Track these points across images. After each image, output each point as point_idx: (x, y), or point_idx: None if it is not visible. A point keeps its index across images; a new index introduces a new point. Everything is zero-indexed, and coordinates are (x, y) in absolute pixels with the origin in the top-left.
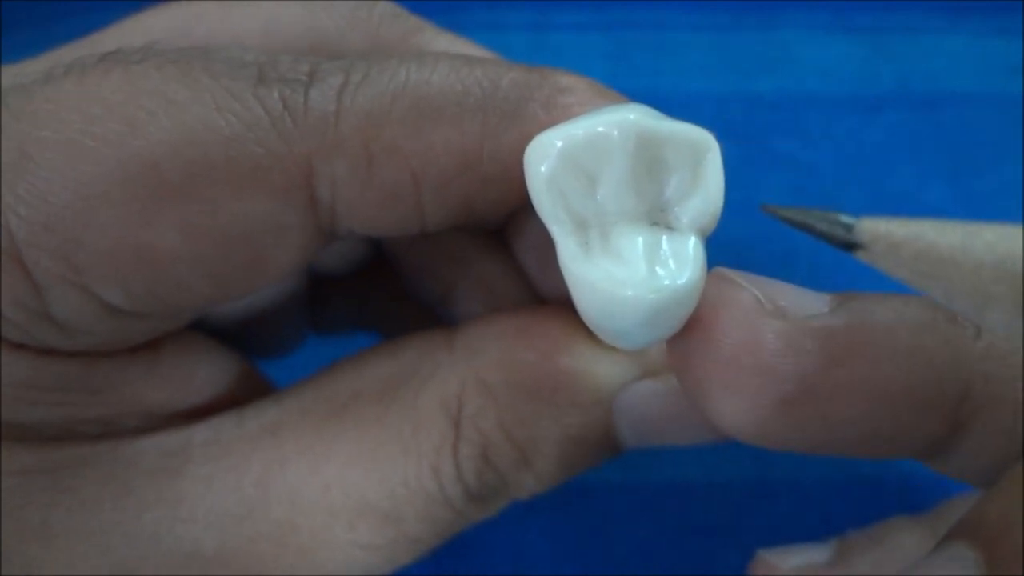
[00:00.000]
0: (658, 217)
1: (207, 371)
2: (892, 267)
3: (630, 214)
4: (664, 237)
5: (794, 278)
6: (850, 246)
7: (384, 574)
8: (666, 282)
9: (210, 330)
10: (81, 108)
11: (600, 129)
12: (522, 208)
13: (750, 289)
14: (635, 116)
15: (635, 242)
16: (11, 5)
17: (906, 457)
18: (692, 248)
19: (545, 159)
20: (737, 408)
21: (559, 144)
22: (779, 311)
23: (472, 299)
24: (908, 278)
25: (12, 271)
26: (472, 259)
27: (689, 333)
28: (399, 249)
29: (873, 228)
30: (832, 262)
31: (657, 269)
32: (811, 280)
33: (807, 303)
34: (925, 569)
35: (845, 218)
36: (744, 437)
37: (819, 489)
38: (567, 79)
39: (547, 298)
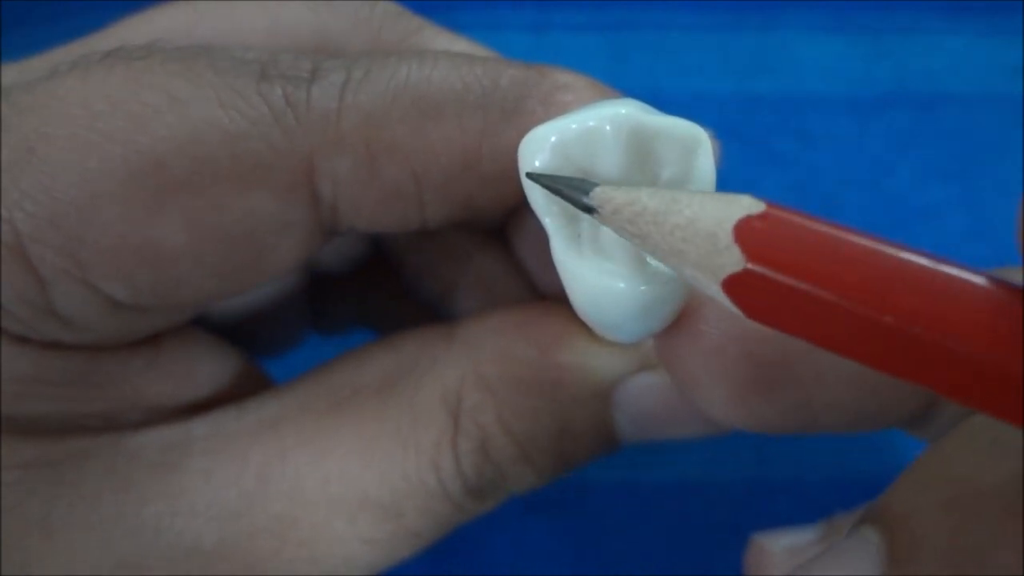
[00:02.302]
0: None
1: (208, 367)
2: (616, 227)
3: None
4: None
5: None
6: (588, 209)
7: (383, 568)
8: (656, 275)
9: (211, 327)
10: (85, 104)
11: (592, 123)
12: (521, 205)
13: None
14: (627, 110)
15: None
16: (11, 5)
17: (888, 428)
18: None
19: (538, 153)
20: (725, 395)
21: (552, 138)
22: None
23: (471, 296)
24: (630, 238)
25: (16, 266)
26: (472, 257)
27: (676, 323)
28: (399, 247)
29: (603, 194)
30: None
31: (648, 262)
32: None
33: None
34: (834, 552)
35: (585, 185)
36: (734, 424)
37: (819, 489)
38: (566, 77)
39: (546, 295)
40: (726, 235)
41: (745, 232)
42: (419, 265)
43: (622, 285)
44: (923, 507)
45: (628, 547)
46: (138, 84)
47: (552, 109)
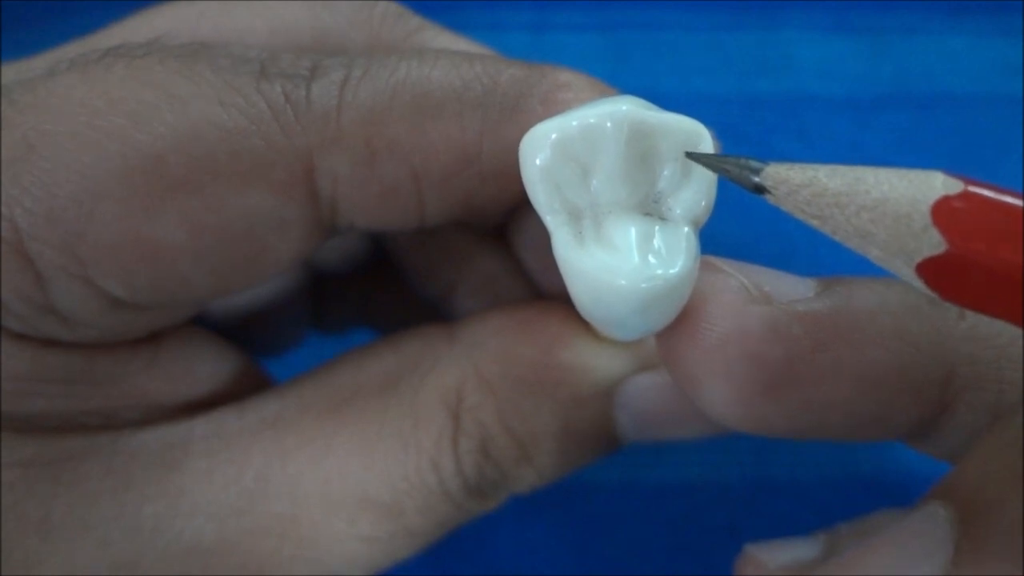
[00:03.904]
0: (651, 208)
1: (208, 366)
2: (793, 209)
3: (623, 204)
4: (657, 227)
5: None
6: (759, 189)
7: (383, 568)
8: (658, 271)
9: (212, 326)
10: (85, 101)
11: (593, 120)
12: (522, 204)
13: (736, 276)
14: (628, 107)
15: (628, 232)
16: (11, 4)
17: (893, 439)
18: (685, 238)
19: (539, 150)
20: (726, 395)
21: (553, 136)
22: (764, 297)
23: (472, 295)
24: (807, 220)
25: (15, 263)
26: (473, 256)
27: (677, 322)
28: (399, 246)
29: (776, 173)
30: (830, 257)
31: (650, 259)
32: (809, 275)
33: (792, 288)
34: (902, 524)
35: (755, 163)
36: (734, 424)
37: (819, 489)
38: (566, 75)
39: (547, 294)
40: (922, 217)
41: (944, 214)
42: (420, 264)
43: (624, 282)
44: (998, 477)
45: (628, 547)
46: (138, 82)
47: (552, 107)
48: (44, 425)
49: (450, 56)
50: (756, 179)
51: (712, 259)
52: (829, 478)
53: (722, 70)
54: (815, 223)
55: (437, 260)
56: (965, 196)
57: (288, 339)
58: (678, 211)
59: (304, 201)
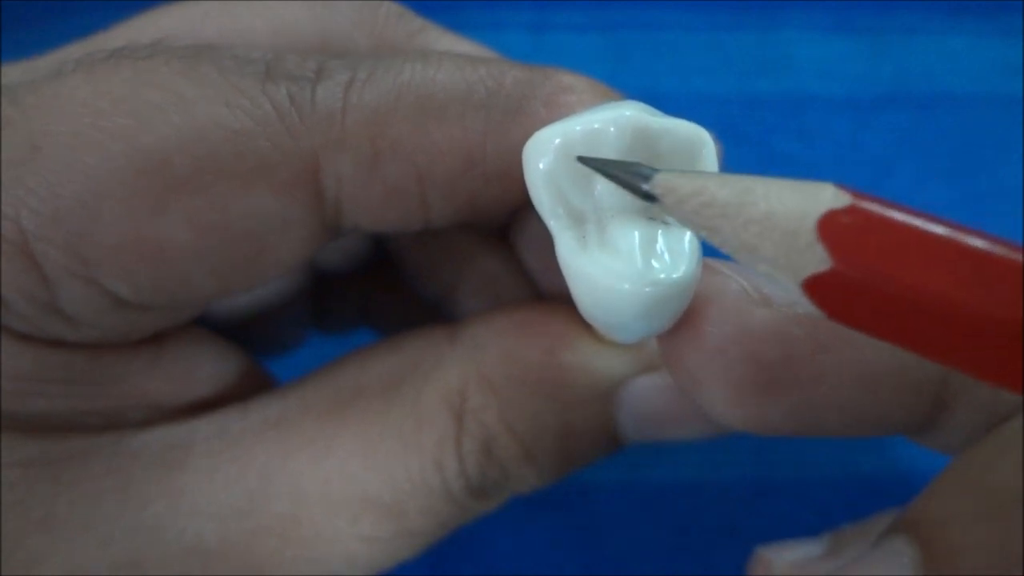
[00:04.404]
0: (654, 212)
1: (211, 366)
2: (682, 219)
3: (627, 209)
4: (660, 231)
5: None
6: (649, 197)
7: (385, 568)
8: (662, 275)
9: (214, 326)
10: (90, 102)
11: (596, 126)
12: (524, 206)
13: (736, 278)
14: (631, 112)
15: (631, 236)
16: (11, 5)
17: (893, 435)
18: (688, 242)
19: (543, 155)
20: (727, 397)
21: (557, 141)
22: (765, 299)
23: (475, 296)
24: (696, 231)
25: (20, 263)
26: (475, 257)
27: (678, 325)
28: (402, 247)
29: (665, 181)
30: None
31: (653, 263)
32: None
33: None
34: (865, 564)
35: (645, 170)
36: (735, 425)
37: (819, 489)
38: (569, 78)
39: (548, 294)
40: (808, 232)
41: (830, 229)
42: (422, 265)
43: (627, 286)
44: (962, 515)
45: (630, 547)
46: (143, 83)
47: (555, 110)
48: (46, 425)
49: (454, 58)
50: (645, 187)
51: (711, 261)
52: (830, 478)
53: (722, 70)
54: (704, 234)
55: (439, 260)
56: (852, 211)
57: (290, 339)
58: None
59: (308, 202)
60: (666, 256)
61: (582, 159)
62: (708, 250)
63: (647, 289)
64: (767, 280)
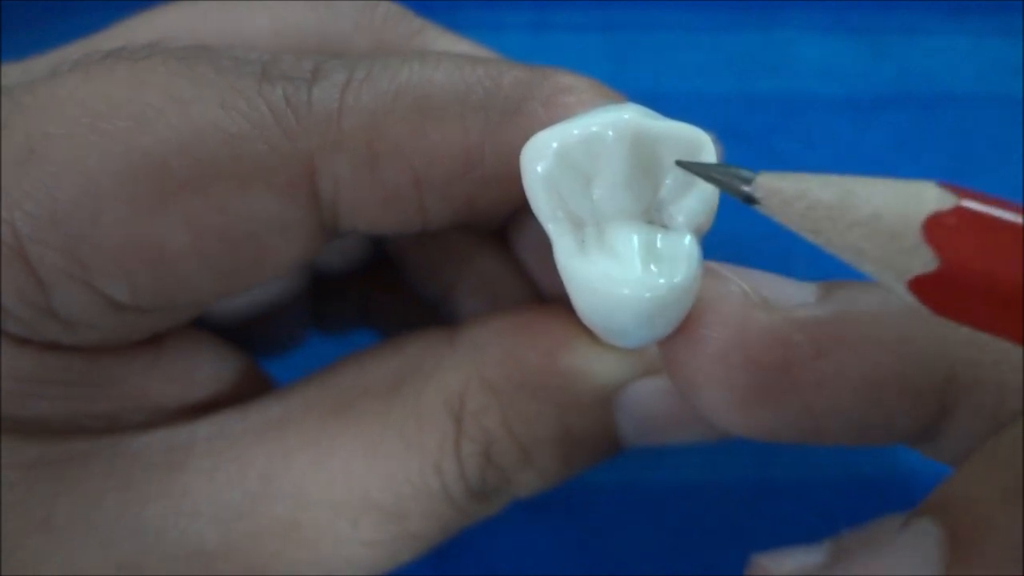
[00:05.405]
0: (653, 216)
1: (210, 367)
2: (787, 221)
3: (626, 213)
4: (659, 235)
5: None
6: (750, 200)
7: (385, 570)
8: (661, 280)
9: (213, 328)
10: (87, 104)
11: (595, 129)
12: (523, 207)
13: (736, 282)
14: (630, 116)
15: (631, 240)
16: (11, 5)
17: (894, 443)
18: (687, 246)
19: (541, 159)
20: (727, 402)
21: (555, 144)
22: (765, 303)
23: (474, 298)
24: (801, 233)
25: (17, 266)
26: (474, 258)
27: (679, 329)
28: (401, 248)
29: (767, 183)
30: (830, 261)
31: (652, 267)
32: (809, 279)
33: (793, 294)
34: (891, 544)
35: (745, 173)
36: (736, 429)
37: (819, 489)
38: (568, 79)
39: (548, 297)
40: (914, 234)
41: (936, 231)
42: (420, 266)
43: (627, 291)
44: (990, 495)
45: (630, 549)
46: (140, 84)
47: (554, 111)
48: (46, 428)
49: (452, 59)
50: (747, 189)
51: (713, 265)
52: (831, 480)
53: (722, 70)
54: (808, 236)
55: (437, 260)
56: (957, 212)
57: (289, 340)
58: (680, 219)
59: (306, 204)
60: (665, 261)
61: (681, 163)
62: (706, 251)
63: (647, 295)
64: (874, 277)
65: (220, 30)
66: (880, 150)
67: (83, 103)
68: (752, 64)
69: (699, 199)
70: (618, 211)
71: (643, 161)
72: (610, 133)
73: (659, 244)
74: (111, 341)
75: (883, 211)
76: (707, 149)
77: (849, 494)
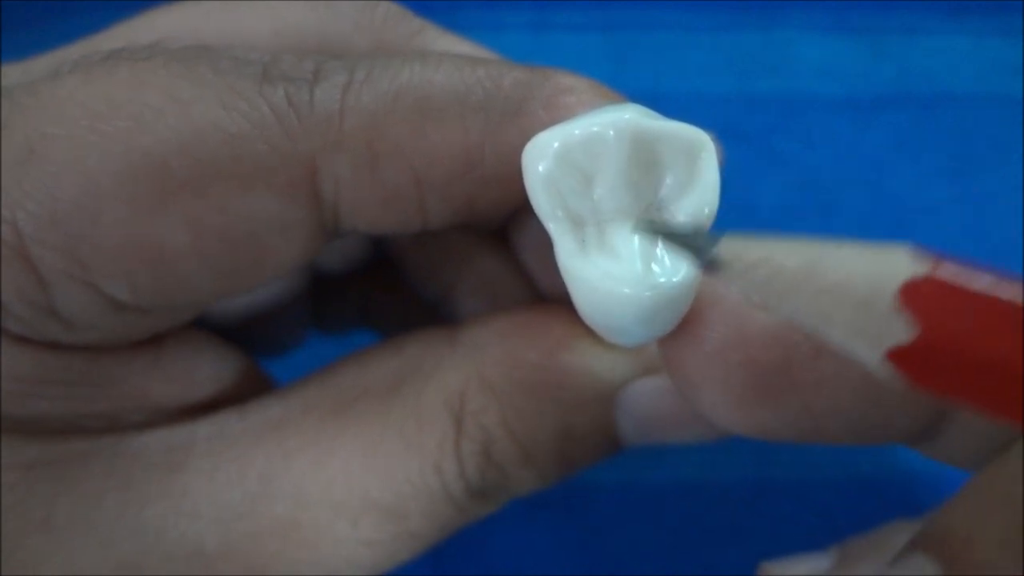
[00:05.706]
0: (654, 215)
1: (210, 367)
2: (748, 288)
3: (626, 212)
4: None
5: None
6: (713, 266)
7: (385, 570)
8: (662, 279)
9: (213, 328)
10: (87, 104)
11: (596, 129)
12: (523, 207)
13: None
14: (630, 116)
15: (631, 240)
16: (11, 5)
17: (895, 443)
18: None
19: (542, 159)
20: (727, 401)
21: (556, 144)
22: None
23: (474, 298)
24: (763, 299)
25: (17, 266)
26: (474, 258)
27: (678, 328)
28: (401, 248)
29: (732, 249)
30: None
31: (653, 266)
32: None
33: None
34: None
35: (710, 239)
36: (735, 429)
37: (819, 489)
38: (568, 79)
39: (548, 297)
40: (886, 301)
41: (913, 298)
42: (421, 266)
43: (627, 290)
44: (988, 533)
45: (630, 549)
46: (140, 85)
47: (554, 112)
48: (46, 427)
49: (453, 59)
50: (711, 254)
51: None
52: (831, 479)
53: (722, 70)
54: (773, 302)
55: (437, 260)
56: (933, 280)
57: (289, 340)
58: (681, 218)
59: (306, 204)
60: (666, 260)
61: (642, 223)
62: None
63: (647, 293)
64: (841, 347)
65: (221, 30)
66: (880, 150)
67: (83, 103)
68: (752, 64)
69: (699, 199)
70: (618, 210)
71: (643, 161)
72: (611, 133)
73: (660, 243)
74: (111, 341)
75: (852, 278)
76: (708, 149)
77: (849, 494)
